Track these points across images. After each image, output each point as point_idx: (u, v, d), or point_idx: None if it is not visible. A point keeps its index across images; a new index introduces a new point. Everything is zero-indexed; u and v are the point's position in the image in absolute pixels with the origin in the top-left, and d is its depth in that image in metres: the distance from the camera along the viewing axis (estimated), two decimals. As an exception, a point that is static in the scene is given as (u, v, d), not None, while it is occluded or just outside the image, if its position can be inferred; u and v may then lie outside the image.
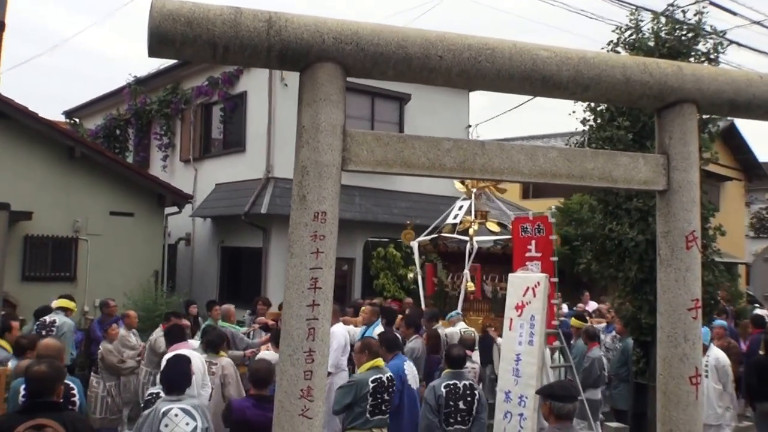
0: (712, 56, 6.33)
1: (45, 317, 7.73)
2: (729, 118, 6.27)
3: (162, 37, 3.79)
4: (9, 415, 3.19)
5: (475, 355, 7.28)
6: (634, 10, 6.50)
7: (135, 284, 13.09)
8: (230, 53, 3.94)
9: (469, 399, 5.20)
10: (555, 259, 7.23)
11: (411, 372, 5.79)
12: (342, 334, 7.19)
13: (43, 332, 7.14)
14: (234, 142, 15.68)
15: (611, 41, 6.46)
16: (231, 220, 14.80)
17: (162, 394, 4.07)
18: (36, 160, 12.40)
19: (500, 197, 10.13)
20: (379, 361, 5.47)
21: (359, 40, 4.07)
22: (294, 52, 3.99)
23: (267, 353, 6.36)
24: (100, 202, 13.15)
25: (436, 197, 15.20)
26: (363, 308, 8.35)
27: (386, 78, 4.32)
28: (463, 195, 9.95)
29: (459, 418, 5.17)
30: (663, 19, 6.42)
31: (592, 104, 6.55)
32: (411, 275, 10.74)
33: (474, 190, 9.57)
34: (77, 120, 24.66)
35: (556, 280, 7.33)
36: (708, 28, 6.37)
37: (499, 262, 9.09)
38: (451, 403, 5.16)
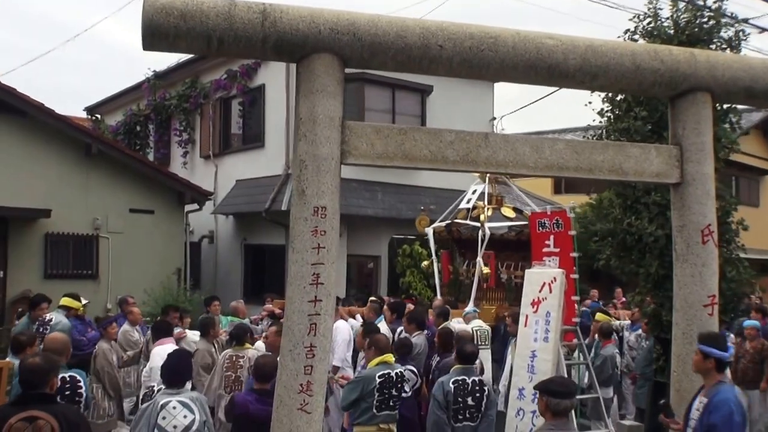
0: (734, 44, 6.21)
1: (45, 315, 7.92)
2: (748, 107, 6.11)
3: (155, 31, 3.87)
4: (2, 407, 3.29)
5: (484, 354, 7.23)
6: None
7: (157, 282, 13.26)
8: (225, 45, 4.01)
9: (478, 395, 5.20)
10: (575, 254, 7.17)
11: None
12: (346, 328, 7.24)
13: (40, 329, 7.32)
14: (253, 137, 15.79)
15: (628, 30, 6.39)
16: (252, 217, 14.92)
17: (157, 388, 4.15)
18: (54, 158, 12.63)
19: (530, 192, 10.02)
20: (388, 357, 5.51)
21: (356, 31, 4.10)
22: (289, 43, 4.04)
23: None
24: (119, 199, 13.35)
25: (462, 193, 15.15)
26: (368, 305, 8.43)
27: (386, 69, 4.36)
28: (476, 180, 9.91)
29: (468, 415, 5.17)
30: (682, 6, 6.32)
31: (610, 94, 6.48)
32: (426, 263, 10.73)
33: (488, 174, 9.52)
34: (99, 116, 24.98)
35: (576, 276, 7.27)
36: (729, 14, 6.25)
37: (514, 248, 9.03)
38: (459, 399, 5.16)
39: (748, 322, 7.73)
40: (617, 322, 9.03)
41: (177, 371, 4.04)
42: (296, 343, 3.98)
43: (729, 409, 3.92)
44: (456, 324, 7.58)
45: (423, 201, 15.14)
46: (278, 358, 4.29)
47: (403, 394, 5.70)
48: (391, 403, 5.48)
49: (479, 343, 7.35)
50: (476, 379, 5.30)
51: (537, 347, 6.12)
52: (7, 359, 4.83)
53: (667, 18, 6.43)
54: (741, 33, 6.35)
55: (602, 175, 4.61)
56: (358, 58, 4.19)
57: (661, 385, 6.34)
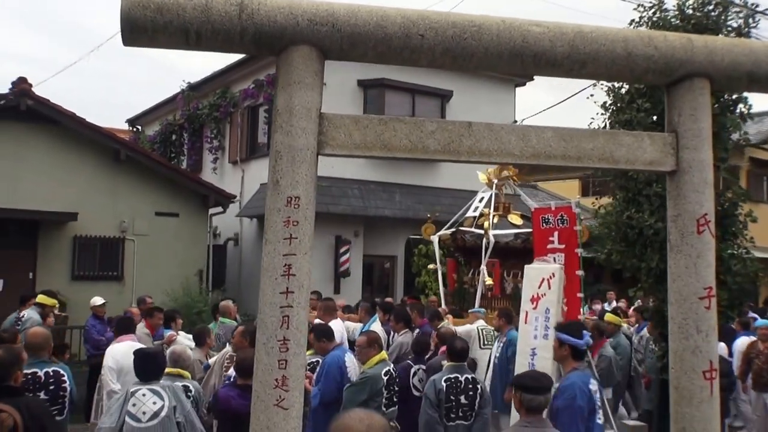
0: (743, 31, 5.88)
1: (23, 312, 7.93)
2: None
3: (133, 25, 3.76)
4: (-36, 400, 3.19)
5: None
6: None
7: (180, 283, 13.33)
8: (203, 39, 3.87)
9: (471, 393, 4.98)
10: (580, 251, 6.89)
11: (352, 364, 5.67)
12: (338, 330, 7.01)
13: (17, 326, 7.31)
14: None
15: (633, 20, 6.10)
16: (274, 219, 14.86)
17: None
18: (84, 164, 12.78)
19: (557, 194, 9.67)
20: (384, 354, 5.33)
21: (335, 21, 3.94)
22: (268, 35, 3.89)
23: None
24: (145, 203, 13.45)
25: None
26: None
27: (366, 60, 4.18)
28: (484, 186, 9.67)
29: (461, 413, 4.95)
30: (688, -7, 6.01)
31: (613, 86, 6.21)
32: (431, 265, 10.48)
33: (495, 180, 9.27)
34: (140, 127, 25.40)
35: (581, 273, 7.00)
36: (738, 1, 5.92)
37: (519, 256, 8.67)
38: (452, 397, 4.95)
39: (760, 322, 7.33)
40: (625, 326, 8.56)
41: (147, 369, 3.93)
42: (269, 336, 3.82)
43: (572, 393, 3.97)
44: (461, 327, 7.36)
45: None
46: None
47: (416, 393, 5.52)
48: (394, 399, 5.32)
49: (484, 343, 7.11)
50: (469, 377, 5.08)
51: (537, 344, 5.89)
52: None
53: (673, 7, 6.13)
54: (751, 19, 6.02)
55: (592, 163, 4.37)
56: (338, 49, 4.02)
57: (667, 383, 6.00)
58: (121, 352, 5.08)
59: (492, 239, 8.54)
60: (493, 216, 9.18)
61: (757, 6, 5.83)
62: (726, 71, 4.48)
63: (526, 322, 6.01)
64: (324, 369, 5.46)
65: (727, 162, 6.12)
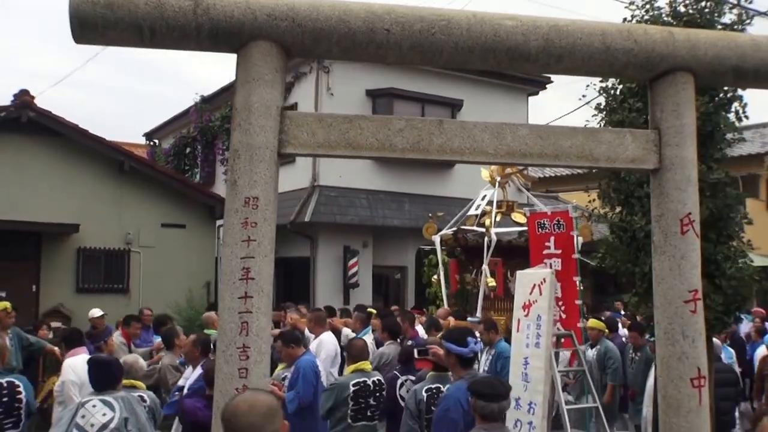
0: (737, 28, 5.70)
1: None
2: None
3: (83, 22, 3.70)
4: None
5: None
6: None
7: (185, 295, 13.32)
8: (158, 36, 3.81)
9: (452, 404, 4.81)
10: (577, 256, 6.70)
11: (321, 370, 5.54)
12: (331, 342, 6.83)
13: None
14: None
15: (625, 19, 5.94)
16: (281, 231, 14.82)
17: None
18: (87, 175, 12.84)
19: (579, 205, 9.38)
20: (365, 364, 5.19)
21: (295, 16, 3.86)
22: (225, 32, 3.82)
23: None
24: (151, 214, 13.47)
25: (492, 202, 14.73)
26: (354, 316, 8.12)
27: (331, 57, 4.10)
28: (487, 184, 9.49)
29: (441, 425, 4.79)
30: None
31: (606, 85, 6.04)
32: (435, 277, 10.30)
33: (498, 178, 9.09)
34: (156, 141, 25.61)
35: (578, 278, 6.81)
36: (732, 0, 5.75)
37: (524, 255, 8.26)
38: (432, 408, 4.77)
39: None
40: (625, 331, 8.28)
41: (103, 379, 3.84)
42: (228, 343, 3.72)
43: (446, 405, 3.99)
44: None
45: (453, 211, 14.72)
46: None
47: (403, 404, 5.35)
48: (368, 414, 5.15)
49: (479, 355, 6.91)
50: (452, 387, 4.90)
51: (529, 353, 5.71)
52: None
53: (665, 5, 5.95)
54: (744, 14, 5.83)
55: (570, 161, 4.22)
56: (300, 45, 3.94)
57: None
58: (80, 365, 4.98)
59: (494, 237, 8.35)
60: (496, 214, 8.99)
61: (750, 1, 5.66)
62: (710, 66, 4.32)
63: (518, 331, 5.83)
64: (299, 373, 5.34)
65: (721, 162, 5.90)
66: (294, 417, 5.07)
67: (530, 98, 17.67)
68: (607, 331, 7.14)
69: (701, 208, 5.85)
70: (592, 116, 6.09)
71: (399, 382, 5.69)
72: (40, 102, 12.43)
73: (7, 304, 7.45)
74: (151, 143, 25.83)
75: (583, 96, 6.32)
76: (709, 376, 6.06)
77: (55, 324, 11.01)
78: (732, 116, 5.87)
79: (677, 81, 4.29)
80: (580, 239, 7.09)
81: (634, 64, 4.23)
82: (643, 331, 6.71)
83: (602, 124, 6.02)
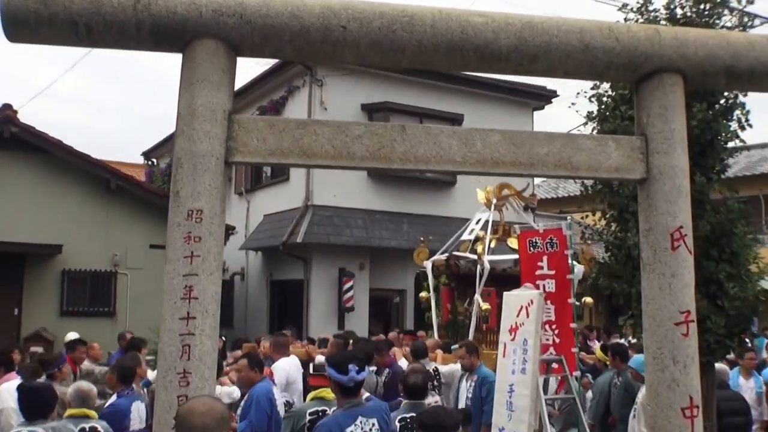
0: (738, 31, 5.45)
1: None
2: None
3: (14, 18, 3.51)
4: None
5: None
6: None
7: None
8: (95, 33, 3.61)
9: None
10: (572, 277, 6.41)
11: (277, 397, 5.25)
12: (284, 368, 6.49)
13: None
14: (279, 171, 15.59)
15: (618, 22, 5.69)
16: (274, 252, 14.62)
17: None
18: (72, 194, 12.68)
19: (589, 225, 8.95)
20: (325, 392, 4.90)
21: (244, 12, 3.65)
22: (167, 29, 3.61)
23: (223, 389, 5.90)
24: (139, 235, 13.26)
25: (495, 224, 14.43)
26: (330, 341, 7.82)
27: (283, 56, 3.89)
28: (483, 207, 9.20)
29: (414, 458, 4.50)
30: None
31: (598, 92, 5.80)
32: (423, 294, 9.93)
33: (494, 200, 8.79)
34: (155, 160, 25.52)
35: (572, 301, 6.50)
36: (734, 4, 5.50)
37: (519, 285, 7.95)
38: (405, 439, 4.50)
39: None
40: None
41: (34, 407, 3.59)
42: (168, 368, 3.46)
43: None
44: (446, 367, 6.86)
45: (453, 232, 14.44)
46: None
47: None
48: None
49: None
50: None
51: (515, 380, 5.40)
52: None
53: (662, 7, 5.71)
54: (745, 17, 5.58)
55: (547, 170, 3.96)
56: (250, 43, 3.73)
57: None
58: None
59: (487, 265, 8.02)
60: (490, 240, 8.67)
61: (752, 1, 5.40)
62: (700, 66, 4.07)
63: (504, 356, 5.53)
64: (252, 400, 5.07)
65: (722, 174, 5.61)
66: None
67: (535, 112, 17.45)
68: (608, 362, 6.75)
69: (701, 223, 5.60)
70: (583, 125, 5.86)
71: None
72: (40, 117, 12.34)
73: None
74: (149, 163, 25.73)
75: (573, 104, 6.09)
76: (710, 405, 5.76)
77: (35, 349, 10.81)
78: (734, 124, 5.60)
79: (664, 83, 4.04)
80: (581, 268, 6.76)
81: (617, 64, 3.99)
82: (624, 354, 6.36)
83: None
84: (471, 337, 8.13)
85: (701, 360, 4.21)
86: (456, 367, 6.74)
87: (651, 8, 5.69)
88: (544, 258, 6.63)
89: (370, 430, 3.86)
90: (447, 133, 3.88)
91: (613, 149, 4.03)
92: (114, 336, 12.41)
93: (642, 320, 4.11)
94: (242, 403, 5.21)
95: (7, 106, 11.77)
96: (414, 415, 4.59)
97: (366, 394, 4.56)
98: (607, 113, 5.66)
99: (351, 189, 14.04)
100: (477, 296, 8.17)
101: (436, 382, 6.50)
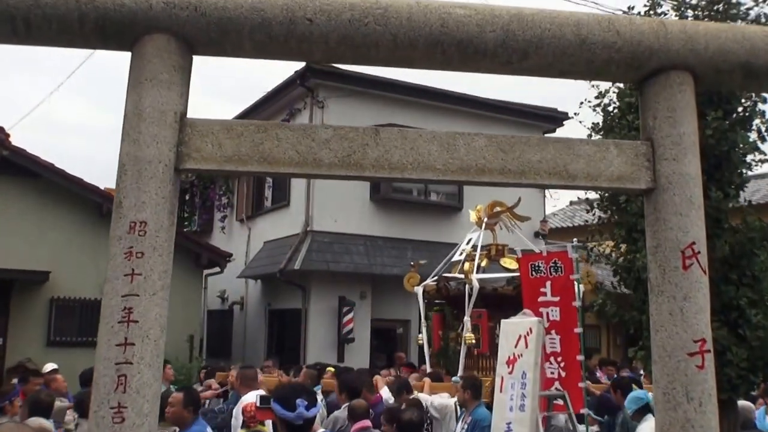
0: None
1: None
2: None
3: (-59, 11, 3.22)
4: None
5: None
6: None
7: (169, 350, 12.72)
8: (33, 29, 3.32)
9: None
10: (578, 304, 5.97)
11: None
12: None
13: None
14: (280, 197, 15.32)
15: (619, 14, 5.37)
16: (275, 281, 14.26)
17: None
18: (64, 219, 12.44)
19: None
20: (262, 428, 4.54)
21: (199, 4, 3.35)
22: (115, 23, 3.31)
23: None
24: (132, 262, 12.93)
25: (512, 251, 13.99)
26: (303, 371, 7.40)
27: (244, 54, 3.55)
28: (474, 227, 8.81)
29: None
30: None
31: (602, 101, 5.45)
32: (420, 336, 9.47)
33: (485, 219, 8.39)
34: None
35: (580, 330, 6.06)
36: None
37: (513, 306, 7.10)
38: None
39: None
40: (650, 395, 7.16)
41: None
42: (101, 402, 3.09)
43: None
44: (438, 399, 6.41)
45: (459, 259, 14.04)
46: None
47: None
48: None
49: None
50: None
51: (512, 418, 4.97)
52: None
53: (671, 9, 5.37)
54: (763, 16, 5.21)
55: (540, 179, 3.57)
56: (205, 39, 3.42)
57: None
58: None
59: (476, 284, 7.55)
60: (480, 258, 8.23)
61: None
62: (712, 63, 3.69)
63: (501, 391, 5.10)
64: None
65: (741, 190, 5.19)
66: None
67: (547, 135, 17.09)
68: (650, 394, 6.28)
69: (718, 243, 5.18)
70: (588, 137, 5.47)
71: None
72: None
73: None
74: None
75: (576, 114, 5.72)
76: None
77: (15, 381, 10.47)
78: (753, 135, 5.20)
79: (672, 81, 3.67)
80: (582, 287, 6.35)
81: (618, 61, 3.63)
82: (626, 388, 5.89)
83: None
84: (461, 364, 7.67)
85: (721, 396, 3.78)
86: (449, 401, 6.29)
87: (660, 11, 5.36)
88: (548, 283, 6.21)
89: None
90: (426, 137, 3.53)
91: (615, 156, 3.65)
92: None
93: (651, 350, 3.69)
94: None
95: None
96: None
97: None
98: (613, 124, 5.29)
99: (352, 214, 13.71)
100: (466, 318, 7.72)
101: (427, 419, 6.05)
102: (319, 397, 6.16)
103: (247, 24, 3.37)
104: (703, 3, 5.42)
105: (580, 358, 6.01)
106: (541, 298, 6.25)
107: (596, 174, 3.62)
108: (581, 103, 5.67)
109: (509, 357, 5.09)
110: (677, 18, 5.43)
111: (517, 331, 5.08)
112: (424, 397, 6.21)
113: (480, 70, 3.71)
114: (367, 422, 4.85)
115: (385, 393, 6.36)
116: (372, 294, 13.79)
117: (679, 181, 3.56)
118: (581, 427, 5.86)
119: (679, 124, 3.62)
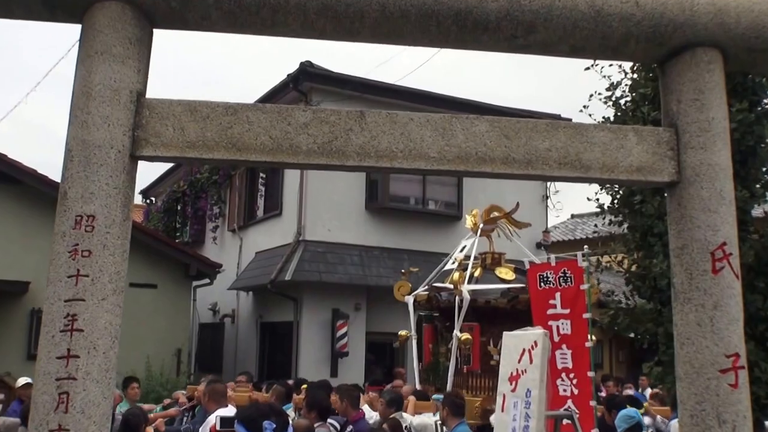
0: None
1: None
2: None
3: None
4: None
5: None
6: None
7: (157, 364, 12.36)
8: (-32, -5, 2.93)
9: None
10: (588, 316, 5.55)
11: None
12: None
13: None
14: (272, 206, 14.93)
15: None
16: (266, 293, 13.83)
17: None
18: (46, 227, 11.98)
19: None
20: None
21: (159, -32, 2.96)
22: (62, -11, 2.93)
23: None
24: (118, 273, 12.52)
25: (511, 261, 13.57)
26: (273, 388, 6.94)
27: (212, 27, 3.16)
28: (470, 233, 8.40)
29: None
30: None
31: (613, 93, 5.07)
32: (402, 333, 9.01)
33: (481, 225, 7.98)
34: (153, 199, 25.00)
35: (591, 344, 5.64)
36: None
37: (508, 319, 6.87)
38: None
39: None
40: (659, 418, 6.64)
41: None
42: (39, 423, 2.69)
43: None
44: (418, 418, 5.98)
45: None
46: None
47: None
48: None
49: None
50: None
51: (516, 441, 4.51)
52: None
53: None
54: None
55: (548, 170, 3.17)
56: (166, 8, 3.03)
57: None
58: None
59: (466, 296, 7.12)
60: (474, 268, 7.80)
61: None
62: (744, 38, 3.30)
63: (502, 410, 4.68)
64: None
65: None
66: None
67: (556, 120, 16.75)
68: (659, 417, 5.83)
69: (743, 248, 4.78)
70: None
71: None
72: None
73: None
74: (148, 201, 25.26)
75: (585, 107, 5.33)
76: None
77: (-6, 397, 10.09)
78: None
79: (698, 60, 3.28)
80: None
81: (637, 36, 3.25)
82: (620, 407, 5.45)
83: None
84: (450, 380, 7.24)
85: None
86: (429, 421, 5.87)
87: None
88: (557, 295, 5.78)
89: None
90: (418, 121, 3.13)
91: (635, 144, 3.25)
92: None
93: (674, 367, 3.26)
94: None
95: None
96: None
97: None
98: (626, 117, 4.90)
99: (347, 223, 13.30)
100: (456, 332, 7.28)
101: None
102: (292, 415, 5.74)
103: (214, -9, 2.99)
104: None
105: (591, 374, 5.59)
106: (550, 311, 5.82)
107: (613, 164, 3.23)
108: (591, 95, 5.29)
109: (512, 373, 4.67)
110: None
111: (521, 344, 4.66)
112: (406, 417, 5.81)
113: (480, 46, 3.32)
114: None
115: (367, 410, 5.94)
116: (367, 306, 13.36)
117: (708, 173, 3.16)
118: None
119: (707, 108, 3.23)
